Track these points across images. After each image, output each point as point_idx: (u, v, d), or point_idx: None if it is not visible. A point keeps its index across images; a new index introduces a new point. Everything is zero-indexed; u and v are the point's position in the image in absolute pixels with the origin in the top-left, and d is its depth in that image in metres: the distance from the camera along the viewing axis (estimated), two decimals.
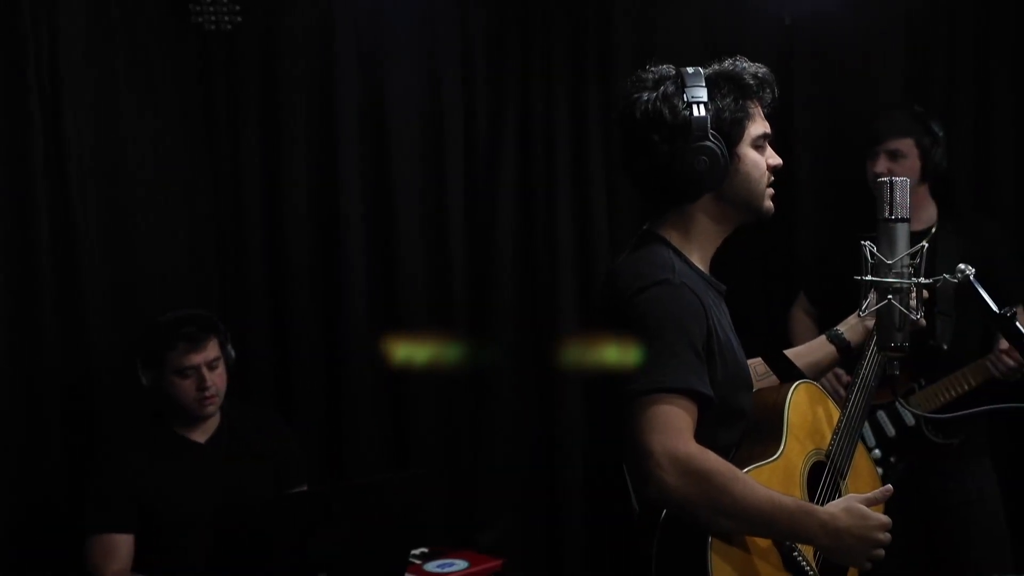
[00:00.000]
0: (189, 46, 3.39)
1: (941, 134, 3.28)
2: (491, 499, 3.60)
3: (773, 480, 1.92)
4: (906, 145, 3.26)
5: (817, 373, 2.29)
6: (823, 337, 2.33)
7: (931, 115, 3.32)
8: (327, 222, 3.56)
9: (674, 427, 1.79)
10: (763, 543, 1.90)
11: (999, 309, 2.01)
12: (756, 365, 2.26)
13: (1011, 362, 3.12)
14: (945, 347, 3.22)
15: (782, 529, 1.86)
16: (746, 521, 1.82)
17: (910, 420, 3.25)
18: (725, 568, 1.84)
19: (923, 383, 3.26)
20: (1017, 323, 1.99)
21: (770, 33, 3.71)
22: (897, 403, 2.22)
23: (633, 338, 1.86)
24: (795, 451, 2.02)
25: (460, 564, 2.93)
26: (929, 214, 3.36)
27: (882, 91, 3.68)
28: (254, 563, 2.30)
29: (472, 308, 3.70)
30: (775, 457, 1.97)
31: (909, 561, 3.33)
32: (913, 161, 3.27)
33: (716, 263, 2.09)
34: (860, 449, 2.16)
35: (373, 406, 3.55)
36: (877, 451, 3.28)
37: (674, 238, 2.02)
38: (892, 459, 3.29)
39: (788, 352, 2.28)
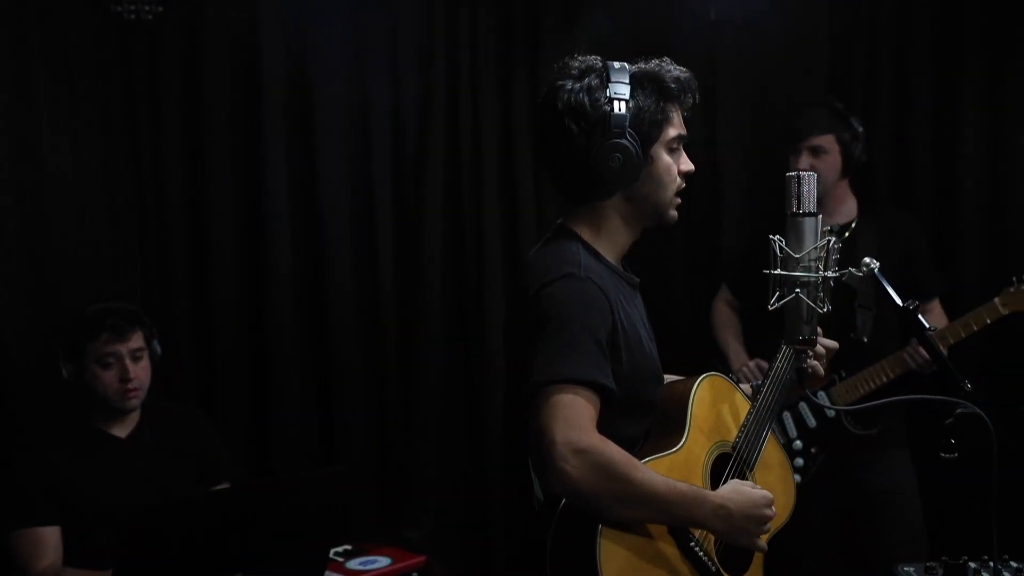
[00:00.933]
0: (109, 38, 3.33)
1: (861, 130, 3.34)
2: (421, 495, 3.59)
3: (673, 471, 1.94)
4: (827, 141, 3.31)
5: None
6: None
7: (851, 111, 3.37)
8: (252, 218, 3.52)
9: (576, 418, 1.81)
10: (659, 532, 1.93)
11: (903, 302, 2.05)
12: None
13: (927, 355, 3.18)
14: (866, 340, 3.27)
15: (678, 515, 1.89)
16: (644, 508, 1.86)
17: (831, 412, 3.30)
18: (616, 555, 1.86)
19: (843, 375, 3.32)
20: (920, 316, 2.04)
21: (696, 28, 3.75)
22: (811, 396, 2.25)
23: (538, 331, 1.88)
24: (698, 443, 2.05)
25: (383, 561, 2.92)
26: (849, 208, 3.41)
27: (805, 86, 3.73)
28: (171, 562, 2.25)
29: (400, 303, 3.68)
30: (676, 448, 1.99)
31: (828, 548, 3.44)
32: (834, 157, 3.32)
33: (639, 256, 2.11)
34: (772, 441, 2.19)
35: (300, 402, 3.53)
36: (799, 442, 3.33)
37: (585, 233, 2.04)
38: (813, 449, 3.34)
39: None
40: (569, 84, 1.98)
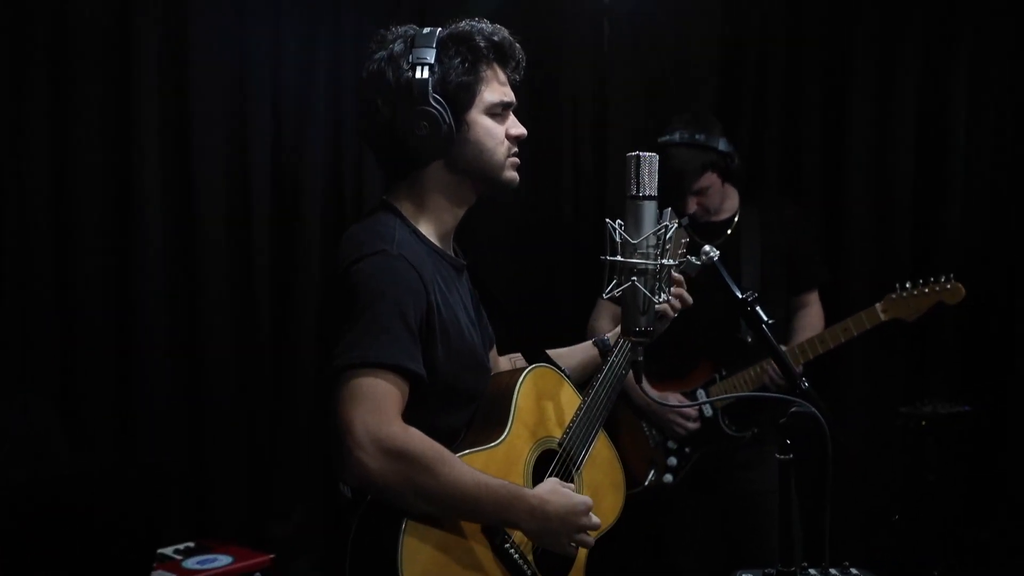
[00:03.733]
0: None
1: (731, 148, 3.22)
2: (285, 492, 3.43)
3: (491, 466, 1.82)
4: (707, 179, 3.21)
5: (581, 376, 2.18)
6: (590, 341, 2.24)
7: (713, 128, 3.22)
8: (122, 199, 3.27)
9: (378, 405, 1.69)
10: (471, 531, 1.80)
11: (742, 294, 1.94)
12: (516, 360, 2.16)
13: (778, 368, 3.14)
14: (749, 339, 3.19)
15: (488, 513, 1.77)
16: (450, 506, 1.74)
17: (708, 411, 3.23)
18: (420, 554, 1.73)
19: (724, 374, 3.25)
20: (758, 308, 1.94)
21: (587, 12, 3.65)
22: (642, 391, 2.14)
23: (344, 311, 1.76)
24: (521, 438, 1.92)
25: (223, 560, 2.75)
26: (731, 203, 3.33)
27: (697, 67, 3.66)
28: None
29: (275, 286, 3.50)
30: (496, 443, 1.86)
31: (706, 549, 3.36)
32: (716, 185, 3.24)
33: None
34: (603, 439, 2.07)
35: (169, 393, 3.31)
36: (672, 441, 3.26)
37: (406, 208, 1.91)
38: (687, 449, 3.27)
39: (552, 352, 2.16)
40: (376, 54, 1.88)
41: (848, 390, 3.70)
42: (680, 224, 1.92)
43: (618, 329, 2.13)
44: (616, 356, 2.08)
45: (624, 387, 2.08)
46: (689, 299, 2.09)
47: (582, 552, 1.95)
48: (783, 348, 3.16)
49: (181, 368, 3.31)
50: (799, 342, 3.19)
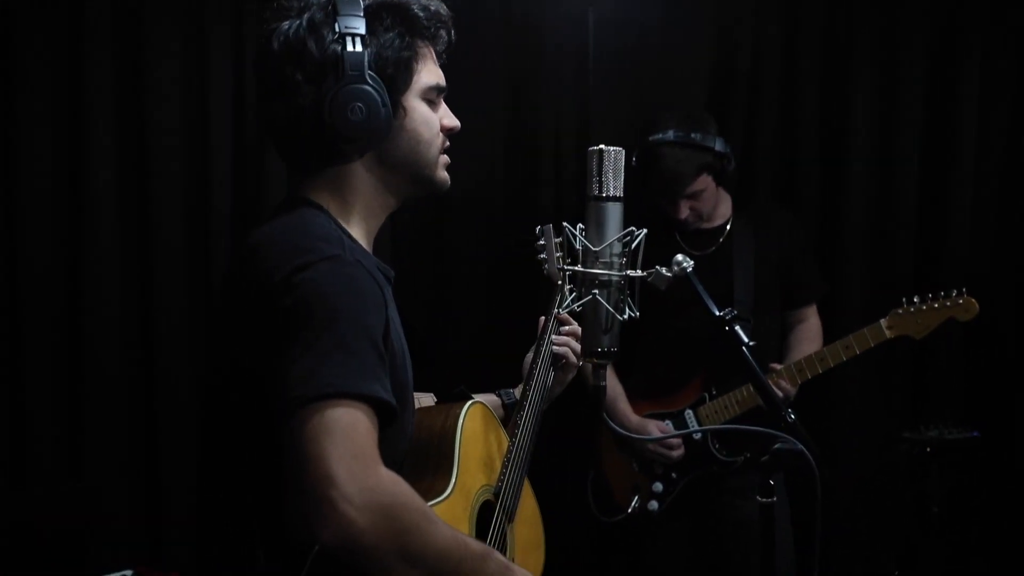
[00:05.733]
0: None
1: (726, 149, 2.99)
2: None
3: (447, 520, 1.52)
4: (702, 182, 2.99)
5: None
6: (492, 394, 2.00)
7: (708, 126, 3.00)
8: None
9: (360, 446, 1.35)
10: None
11: (720, 311, 1.71)
12: (422, 398, 1.89)
13: (780, 391, 2.91)
14: (720, 337, 2.96)
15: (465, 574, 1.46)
16: (433, 570, 1.41)
17: (697, 434, 3.02)
18: None
19: (714, 392, 3.03)
20: (737, 328, 1.70)
21: (571, 4, 3.42)
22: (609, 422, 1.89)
23: (292, 330, 1.40)
24: (466, 487, 1.68)
25: None
26: (723, 209, 3.13)
27: (686, 63, 3.46)
28: None
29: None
30: (447, 494, 1.61)
31: None
32: (710, 188, 3.02)
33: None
34: (527, 487, 1.83)
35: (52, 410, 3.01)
36: (657, 465, 3.06)
37: (331, 206, 1.62)
38: (674, 475, 3.05)
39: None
40: (287, 24, 1.58)
41: (844, 412, 3.44)
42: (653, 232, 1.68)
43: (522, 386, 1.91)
44: (533, 391, 1.82)
45: (604, 413, 1.79)
46: (578, 348, 1.83)
47: None
48: (779, 367, 2.94)
49: (137, 386, 3.07)
50: (796, 360, 2.96)
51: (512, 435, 1.78)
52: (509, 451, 1.77)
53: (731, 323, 1.72)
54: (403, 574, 1.37)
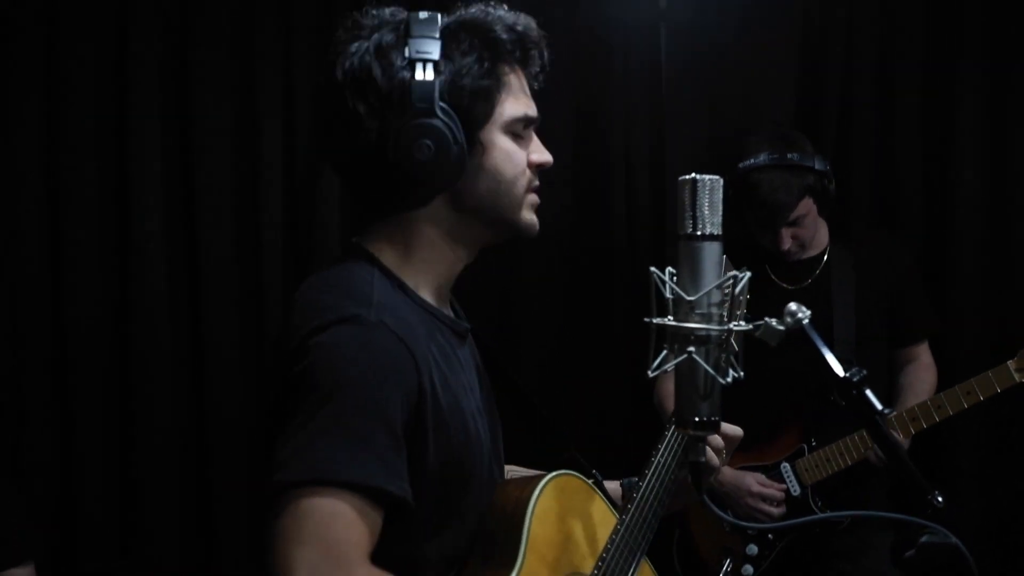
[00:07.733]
0: None
1: (827, 167, 2.76)
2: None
3: None
4: (804, 206, 2.75)
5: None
6: (616, 482, 1.75)
7: (804, 145, 2.77)
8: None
9: (333, 544, 1.20)
10: None
11: (846, 372, 1.42)
12: (512, 471, 1.64)
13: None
14: (844, 403, 2.67)
15: None
16: None
17: (795, 490, 2.77)
18: None
19: (814, 443, 2.76)
20: (869, 393, 1.41)
21: (641, 16, 3.20)
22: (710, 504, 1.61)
23: (296, 401, 1.28)
24: (537, 575, 1.42)
25: None
26: (821, 237, 2.88)
27: (769, 82, 3.22)
28: None
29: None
30: None
31: None
32: (812, 213, 2.79)
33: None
34: (646, 569, 1.57)
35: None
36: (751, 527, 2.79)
37: (387, 256, 1.43)
38: (770, 536, 2.78)
39: None
40: (355, 46, 1.39)
41: (960, 467, 3.11)
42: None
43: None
44: (662, 455, 1.57)
45: (705, 495, 1.53)
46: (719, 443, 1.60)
47: None
48: (889, 413, 2.63)
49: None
50: (908, 407, 2.67)
51: (624, 511, 1.54)
52: (616, 530, 1.52)
53: (859, 386, 1.43)
54: None
